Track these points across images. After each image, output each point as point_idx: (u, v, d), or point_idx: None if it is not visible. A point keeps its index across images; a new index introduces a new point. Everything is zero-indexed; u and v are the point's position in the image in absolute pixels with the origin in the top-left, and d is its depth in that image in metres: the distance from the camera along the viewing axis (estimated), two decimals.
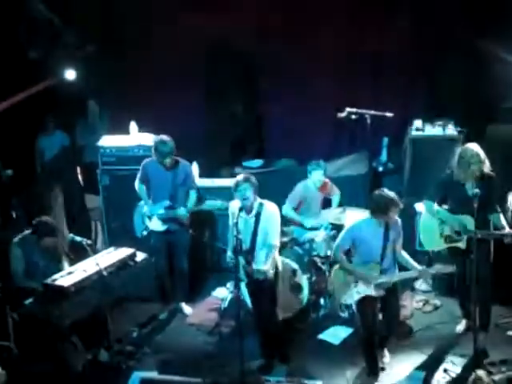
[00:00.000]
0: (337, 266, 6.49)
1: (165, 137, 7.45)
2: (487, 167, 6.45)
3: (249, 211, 6.38)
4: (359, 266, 6.25)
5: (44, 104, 9.50)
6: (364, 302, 6.27)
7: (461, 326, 7.11)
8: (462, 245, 6.60)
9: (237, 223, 6.21)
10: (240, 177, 6.38)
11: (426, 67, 9.41)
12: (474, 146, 6.45)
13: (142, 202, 7.66)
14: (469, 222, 6.39)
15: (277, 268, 6.53)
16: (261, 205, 6.38)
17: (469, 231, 6.39)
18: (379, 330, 6.40)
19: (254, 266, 6.35)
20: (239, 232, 6.16)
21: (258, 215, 6.36)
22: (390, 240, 6.18)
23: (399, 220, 6.28)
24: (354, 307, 6.54)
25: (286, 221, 8.02)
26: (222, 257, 8.57)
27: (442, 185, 6.78)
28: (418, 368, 6.58)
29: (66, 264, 7.06)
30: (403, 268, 6.38)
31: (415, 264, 6.29)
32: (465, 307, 7.00)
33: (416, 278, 7.51)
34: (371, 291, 6.19)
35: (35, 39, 8.75)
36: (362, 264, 6.25)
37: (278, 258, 6.54)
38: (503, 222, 6.51)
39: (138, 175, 7.63)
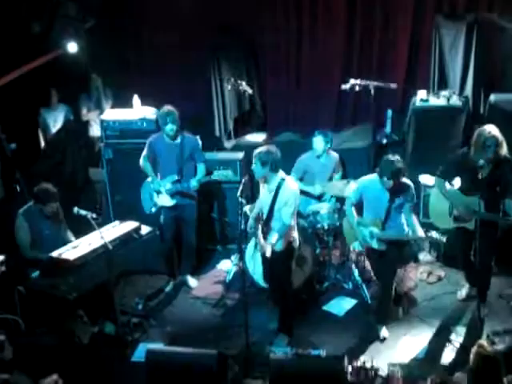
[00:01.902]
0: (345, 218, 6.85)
1: (169, 106, 7.46)
2: (504, 151, 6.31)
3: (268, 182, 6.38)
4: (368, 219, 6.51)
5: (47, 77, 9.46)
6: (369, 253, 6.75)
7: (463, 292, 7.16)
8: (470, 226, 6.54)
9: (258, 192, 6.50)
10: (256, 150, 6.38)
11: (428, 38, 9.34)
12: (492, 128, 6.30)
13: (150, 179, 7.65)
14: (478, 203, 6.27)
15: (294, 244, 6.55)
16: (282, 180, 6.35)
17: (477, 213, 6.29)
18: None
19: (262, 241, 6.41)
20: (242, 203, 6.36)
21: (277, 189, 6.34)
22: (396, 203, 6.34)
23: (411, 185, 6.39)
24: None
25: None
26: (229, 230, 8.62)
27: (455, 163, 6.70)
28: (423, 338, 6.62)
29: (69, 233, 7.07)
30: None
31: (418, 229, 6.46)
32: (468, 272, 7.06)
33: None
34: (373, 244, 6.47)
35: (37, 12, 8.70)
36: (369, 218, 6.50)
37: (295, 236, 6.56)
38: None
39: (144, 152, 7.60)
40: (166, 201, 7.56)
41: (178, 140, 7.47)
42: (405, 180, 6.35)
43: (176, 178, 7.46)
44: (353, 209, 6.62)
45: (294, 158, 8.26)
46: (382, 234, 6.41)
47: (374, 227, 6.45)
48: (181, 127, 7.51)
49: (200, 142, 8.16)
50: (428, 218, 7.41)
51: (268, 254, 6.34)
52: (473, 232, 6.44)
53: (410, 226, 6.45)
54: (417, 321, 6.94)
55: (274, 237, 6.34)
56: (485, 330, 6.44)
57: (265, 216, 6.47)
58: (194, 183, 7.44)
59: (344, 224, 7.03)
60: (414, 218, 6.52)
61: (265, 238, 6.45)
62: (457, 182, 6.79)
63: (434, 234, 7.88)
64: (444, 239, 7.75)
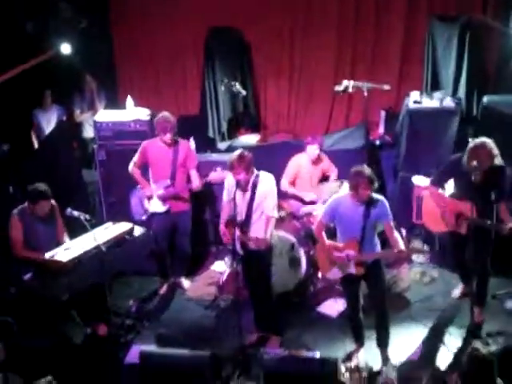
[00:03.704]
0: (318, 244, 6.42)
1: (167, 113, 7.45)
2: (498, 161, 6.28)
3: (244, 186, 6.36)
4: (342, 243, 6.11)
5: (41, 78, 9.45)
6: (345, 279, 6.25)
7: (457, 291, 7.15)
8: (462, 230, 6.52)
9: (234, 198, 6.26)
10: (233, 154, 6.34)
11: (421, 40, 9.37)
12: (487, 142, 6.25)
13: (140, 186, 7.63)
14: (471, 208, 6.26)
15: (272, 243, 6.53)
16: (257, 176, 6.35)
17: (469, 218, 6.30)
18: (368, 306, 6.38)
19: (252, 235, 6.36)
20: (236, 205, 6.24)
21: (253, 187, 6.34)
22: (371, 219, 5.97)
23: (384, 200, 6.05)
24: None
25: (283, 195, 8.04)
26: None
27: (449, 169, 6.66)
28: (417, 339, 6.62)
29: (66, 237, 7.05)
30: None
31: (400, 244, 6.00)
32: (462, 272, 7.05)
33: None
34: (351, 269, 6.08)
35: (31, 12, 8.69)
36: (343, 240, 6.11)
37: (274, 234, 6.53)
38: (507, 214, 6.37)
39: (134, 158, 7.57)
40: (157, 206, 7.53)
41: (172, 145, 7.45)
42: (376, 196, 6.04)
43: (169, 182, 7.44)
44: (323, 234, 6.22)
45: (287, 159, 8.27)
46: (359, 256, 6.02)
47: (350, 250, 6.04)
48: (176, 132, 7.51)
49: (192, 145, 8.15)
50: (421, 220, 7.42)
51: (259, 245, 6.30)
52: (465, 236, 6.45)
53: (396, 242, 6.02)
54: (410, 322, 6.93)
55: (263, 236, 6.32)
56: (479, 331, 6.45)
57: (243, 216, 6.41)
58: (196, 184, 7.44)
59: (317, 251, 6.52)
60: (396, 233, 6.08)
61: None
62: (449, 186, 6.77)
63: (416, 245, 7.91)
64: (428, 249, 7.78)
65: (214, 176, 7.30)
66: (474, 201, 6.24)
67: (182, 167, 7.50)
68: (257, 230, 6.36)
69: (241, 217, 6.39)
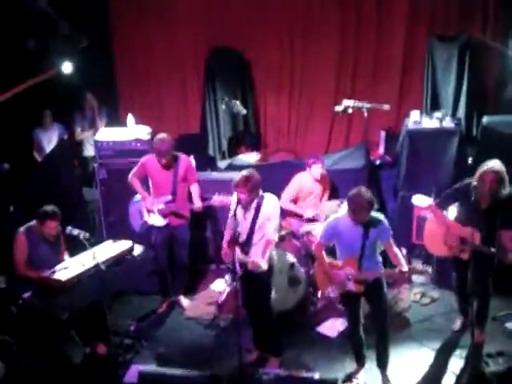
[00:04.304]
0: (317, 262, 6.40)
1: (162, 135, 7.43)
2: (507, 189, 6.20)
3: (246, 205, 6.36)
4: (341, 260, 6.10)
5: (41, 97, 9.48)
6: (345, 296, 6.25)
7: (457, 324, 7.05)
8: (464, 256, 6.47)
9: (235, 215, 6.26)
10: (241, 173, 6.32)
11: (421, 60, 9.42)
12: (497, 166, 6.19)
13: (138, 197, 7.64)
14: (474, 235, 6.22)
15: (272, 263, 6.49)
16: (261, 197, 6.33)
17: (473, 245, 6.25)
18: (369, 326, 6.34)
19: (251, 258, 6.35)
20: (237, 224, 6.23)
21: (257, 208, 6.31)
22: (370, 239, 5.94)
23: (384, 219, 6.03)
24: None
25: (283, 213, 8.03)
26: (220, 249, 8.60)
27: (456, 193, 6.57)
28: (416, 360, 6.59)
29: (66, 255, 7.04)
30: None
31: (402, 263, 6.01)
32: (461, 305, 6.99)
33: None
34: (350, 287, 6.07)
35: (32, 31, 8.73)
36: (343, 258, 6.10)
37: (273, 253, 6.52)
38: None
39: (134, 170, 7.59)
40: (157, 220, 7.54)
41: (172, 162, 7.46)
42: (375, 215, 5.99)
43: (170, 198, 7.46)
44: (323, 253, 6.23)
45: (287, 179, 8.29)
46: (359, 274, 6.01)
47: (350, 268, 6.04)
48: (175, 147, 7.52)
49: (194, 162, 8.16)
50: (421, 241, 7.40)
51: (264, 267, 6.26)
52: (467, 262, 6.39)
53: (397, 260, 6.04)
54: (410, 342, 6.91)
55: (260, 258, 6.29)
56: (479, 352, 6.43)
57: (245, 236, 6.39)
58: (197, 204, 7.46)
59: (316, 269, 6.48)
60: (397, 252, 6.07)
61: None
62: (451, 211, 6.75)
63: (417, 265, 7.90)
64: (429, 269, 7.76)
65: (218, 200, 7.31)
66: (479, 227, 6.19)
67: (182, 182, 7.52)
68: (256, 252, 6.35)
69: (242, 237, 6.37)
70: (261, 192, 6.36)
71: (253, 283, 6.46)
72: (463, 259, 6.48)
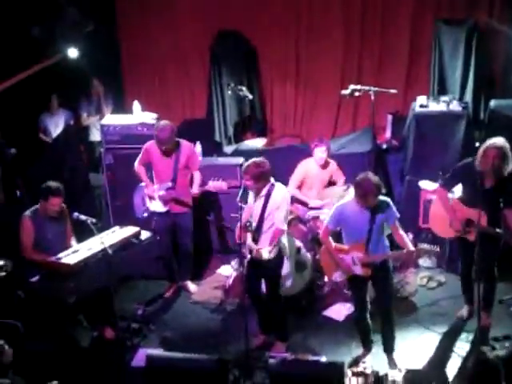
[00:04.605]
0: (324, 247, 6.38)
1: (163, 122, 7.44)
2: (510, 167, 6.16)
3: (257, 193, 6.36)
4: (348, 245, 6.10)
5: (47, 82, 9.48)
6: (352, 280, 6.24)
7: (463, 312, 7.01)
8: (471, 237, 6.46)
9: (246, 202, 6.32)
10: (250, 160, 6.35)
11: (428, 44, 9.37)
12: (499, 140, 6.19)
13: (143, 183, 7.66)
14: (481, 215, 6.15)
15: (282, 250, 6.48)
16: (272, 185, 6.34)
17: (479, 226, 6.19)
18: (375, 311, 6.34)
19: (257, 246, 6.36)
20: (244, 210, 6.28)
21: (267, 196, 6.32)
22: (377, 223, 5.95)
23: (390, 202, 6.02)
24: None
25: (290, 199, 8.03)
26: (228, 236, 8.61)
27: (460, 173, 6.54)
28: (423, 344, 6.61)
29: (73, 240, 7.06)
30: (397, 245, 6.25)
31: (408, 245, 6.04)
32: (467, 293, 6.96)
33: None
34: (357, 271, 6.08)
35: (37, 16, 8.71)
36: (350, 243, 6.09)
37: (285, 242, 6.51)
38: None
39: (139, 157, 7.61)
40: (158, 206, 7.55)
41: (173, 149, 7.46)
42: (382, 198, 5.97)
43: (170, 185, 7.46)
44: (330, 239, 6.25)
45: (293, 164, 8.27)
46: (366, 257, 6.01)
47: (357, 251, 6.04)
48: (180, 133, 7.51)
49: (198, 149, 8.15)
50: (427, 224, 7.40)
51: (265, 256, 6.27)
52: (473, 243, 6.36)
53: (403, 242, 6.07)
54: (417, 326, 6.93)
55: (267, 246, 6.30)
56: (485, 336, 6.43)
57: (255, 223, 6.42)
58: (195, 190, 7.45)
59: (322, 255, 6.49)
60: (403, 234, 6.11)
61: (257, 244, 6.40)
62: (457, 191, 6.73)
63: (425, 246, 7.88)
64: (437, 248, 7.74)
65: (212, 185, 7.32)
66: (484, 208, 6.12)
67: (184, 169, 7.51)
68: (265, 240, 6.36)
69: (253, 224, 6.41)
70: (272, 180, 6.37)
71: (260, 269, 6.47)
72: (469, 240, 6.47)
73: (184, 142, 7.57)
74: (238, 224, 6.28)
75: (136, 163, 7.61)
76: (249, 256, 6.47)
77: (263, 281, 6.68)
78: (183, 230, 7.69)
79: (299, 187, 8.21)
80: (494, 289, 6.67)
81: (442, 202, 6.67)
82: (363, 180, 5.83)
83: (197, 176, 7.57)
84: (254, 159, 6.35)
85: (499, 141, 6.19)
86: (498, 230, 6.25)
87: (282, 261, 6.54)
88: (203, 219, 8.43)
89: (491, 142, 6.20)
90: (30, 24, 8.82)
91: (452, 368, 6.21)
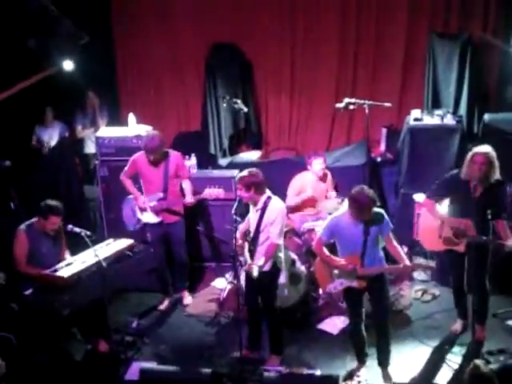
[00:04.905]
0: (318, 258, 6.38)
1: (152, 132, 7.50)
2: (497, 174, 6.26)
3: (254, 204, 6.37)
4: (343, 258, 6.07)
5: (42, 94, 9.48)
6: (347, 293, 6.21)
7: (457, 327, 6.99)
8: (460, 249, 6.48)
9: (237, 211, 6.33)
10: (239, 175, 6.39)
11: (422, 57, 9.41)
12: (485, 148, 6.28)
13: (131, 196, 7.65)
14: (469, 225, 6.25)
15: (278, 264, 6.47)
16: (268, 198, 6.35)
17: (468, 236, 6.28)
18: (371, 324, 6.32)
19: (250, 261, 6.35)
20: (237, 220, 6.32)
21: (263, 209, 6.32)
22: (372, 235, 5.95)
23: (384, 214, 6.03)
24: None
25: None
26: (220, 247, 8.60)
27: (446, 184, 6.59)
28: (417, 357, 6.59)
29: (67, 253, 7.05)
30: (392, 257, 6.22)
31: (404, 258, 6.03)
32: (460, 307, 6.96)
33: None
34: (353, 283, 6.06)
35: (32, 29, 8.70)
36: (344, 255, 6.07)
37: (281, 255, 6.51)
38: (507, 230, 6.31)
39: (125, 169, 7.61)
40: (150, 218, 7.54)
41: (162, 159, 7.47)
42: (376, 210, 5.97)
43: (161, 195, 7.45)
44: (324, 249, 6.18)
45: (289, 176, 8.28)
46: (361, 270, 5.98)
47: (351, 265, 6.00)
48: (174, 145, 7.53)
49: (193, 161, 8.15)
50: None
51: (255, 274, 6.24)
52: (463, 254, 6.42)
53: (398, 254, 6.06)
54: (411, 339, 6.91)
55: (260, 259, 6.29)
56: (479, 349, 6.42)
57: (252, 235, 6.42)
58: (189, 199, 7.45)
59: (316, 266, 6.47)
60: (398, 246, 6.09)
61: (252, 257, 6.40)
62: (444, 204, 6.72)
63: (421, 261, 7.90)
64: (433, 264, 7.76)
65: (208, 192, 7.33)
66: (472, 217, 6.19)
67: (173, 179, 7.51)
68: (260, 252, 6.36)
69: (251, 234, 6.43)
70: (269, 193, 6.38)
71: (259, 285, 6.46)
72: (459, 252, 6.49)
73: (172, 152, 7.60)
74: (235, 236, 6.29)
75: (122, 176, 7.61)
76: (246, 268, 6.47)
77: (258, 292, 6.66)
78: (176, 239, 7.68)
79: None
80: (486, 301, 6.65)
81: (430, 212, 6.68)
82: (358, 194, 5.83)
83: (187, 185, 7.58)
84: (247, 170, 6.37)
85: (486, 148, 6.28)
86: (487, 238, 6.27)
87: (277, 274, 6.53)
88: (194, 229, 8.42)
89: (478, 148, 6.30)
90: (24, 36, 8.82)
91: (446, 381, 6.19)
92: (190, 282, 8.05)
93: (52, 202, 6.71)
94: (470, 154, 6.31)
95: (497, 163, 6.23)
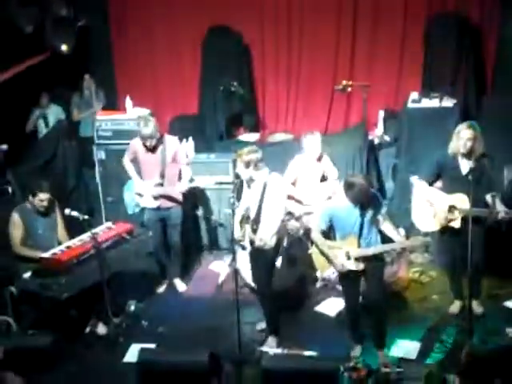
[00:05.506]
0: (315, 245, 6.37)
1: (146, 118, 7.46)
2: (482, 147, 6.37)
3: (249, 183, 6.39)
4: (340, 240, 6.13)
5: (39, 78, 9.45)
6: (344, 276, 6.22)
7: (454, 308, 7.02)
8: (456, 224, 6.51)
9: (237, 194, 6.34)
10: (238, 151, 6.39)
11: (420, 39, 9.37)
12: (473, 124, 6.41)
13: (132, 180, 7.65)
14: (463, 200, 6.31)
15: (280, 241, 6.51)
16: (268, 175, 6.36)
17: (463, 209, 6.32)
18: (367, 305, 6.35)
19: (258, 235, 6.35)
20: (235, 203, 6.27)
21: (264, 186, 6.33)
22: (368, 217, 6.00)
23: (378, 195, 6.12)
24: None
25: None
26: (218, 231, 8.61)
27: (437, 164, 6.67)
28: (414, 339, 6.62)
29: (66, 236, 7.06)
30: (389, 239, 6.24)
31: (398, 236, 6.13)
32: (456, 288, 6.99)
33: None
34: (350, 266, 6.07)
35: (28, 11, 8.67)
36: (341, 238, 6.11)
37: (284, 233, 6.52)
38: (497, 203, 6.36)
39: (127, 152, 7.60)
40: (148, 202, 7.54)
41: (158, 144, 7.44)
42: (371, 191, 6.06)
43: (159, 181, 7.44)
44: (320, 235, 6.17)
45: (286, 159, 8.26)
46: (358, 251, 6.02)
47: (349, 247, 6.05)
48: (172, 128, 7.51)
49: (190, 145, 8.12)
50: None
51: (271, 242, 6.26)
52: (459, 231, 6.45)
53: (391, 233, 6.14)
54: (408, 321, 6.93)
55: (266, 233, 6.31)
56: (476, 330, 6.45)
57: (254, 215, 6.43)
58: (182, 187, 7.44)
59: (313, 251, 6.43)
60: (392, 226, 6.16)
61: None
62: (437, 184, 6.78)
63: (417, 237, 7.89)
64: (430, 239, 7.75)
65: (201, 181, 7.32)
66: (465, 191, 6.23)
67: (171, 164, 7.48)
68: (264, 230, 6.34)
69: (252, 214, 6.42)
70: (268, 171, 6.39)
71: (260, 260, 6.48)
72: (455, 229, 6.52)
73: (168, 137, 7.57)
74: (234, 219, 6.30)
75: (125, 158, 7.59)
76: (249, 248, 6.48)
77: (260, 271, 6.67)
78: (173, 225, 7.66)
79: (293, 183, 8.19)
80: (480, 278, 6.69)
81: (424, 192, 6.72)
82: (354, 179, 5.87)
83: (186, 170, 7.57)
84: (247, 146, 6.44)
85: (471, 123, 6.44)
86: (482, 209, 6.32)
87: (278, 251, 6.56)
88: (192, 214, 8.41)
89: (464, 124, 6.46)
90: (20, 18, 8.78)
91: (443, 362, 6.20)
92: (187, 267, 8.06)
93: (39, 181, 6.72)
94: (457, 130, 6.45)
95: (481, 137, 6.36)
